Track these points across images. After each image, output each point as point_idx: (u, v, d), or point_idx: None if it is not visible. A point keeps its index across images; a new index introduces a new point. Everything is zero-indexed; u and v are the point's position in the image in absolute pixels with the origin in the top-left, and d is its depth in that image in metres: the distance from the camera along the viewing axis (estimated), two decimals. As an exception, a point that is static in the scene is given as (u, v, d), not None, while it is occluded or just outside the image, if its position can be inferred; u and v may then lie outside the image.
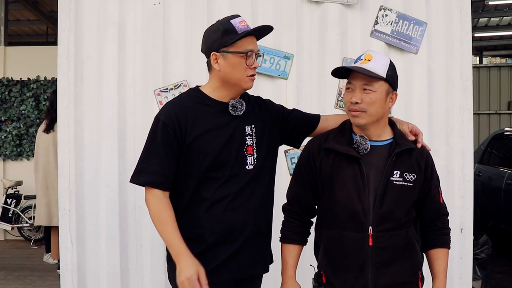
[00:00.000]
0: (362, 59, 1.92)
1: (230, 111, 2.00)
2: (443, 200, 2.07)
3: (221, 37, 1.93)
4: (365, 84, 1.89)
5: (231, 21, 1.95)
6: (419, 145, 2.02)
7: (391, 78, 1.92)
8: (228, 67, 1.95)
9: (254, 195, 2.02)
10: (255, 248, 2.06)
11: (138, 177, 2.00)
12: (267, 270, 2.17)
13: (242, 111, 2.01)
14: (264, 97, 2.23)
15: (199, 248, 1.98)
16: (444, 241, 2.05)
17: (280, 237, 2.10)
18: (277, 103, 2.26)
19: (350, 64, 2.00)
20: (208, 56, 2.00)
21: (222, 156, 1.96)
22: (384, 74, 1.89)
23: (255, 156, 2.03)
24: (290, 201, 2.10)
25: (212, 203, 1.96)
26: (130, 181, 2.03)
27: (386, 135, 1.99)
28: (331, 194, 1.96)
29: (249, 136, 2.02)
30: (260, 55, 2.02)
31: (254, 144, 2.03)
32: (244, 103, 2.03)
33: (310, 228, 2.12)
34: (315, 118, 2.22)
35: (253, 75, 1.99)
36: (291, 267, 2.05)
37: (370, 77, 1.87)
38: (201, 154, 1.95)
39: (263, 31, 2.02)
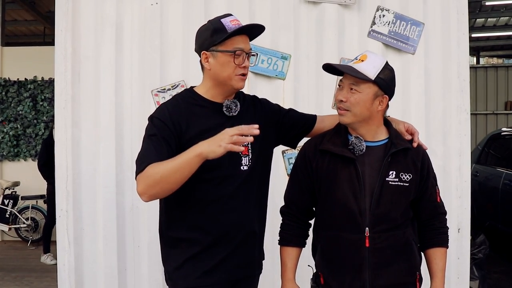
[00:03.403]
0: (357, 59, 1.92)
1: (225, 111, 1.99)
2: (440, 199, 2.06)
3: (210, 36, 1.93)
4: (352, 84, 1.89)
5: (222, 20, 1.94)
6: (415, 144, 2.01)
7: (382, 82, 1.89)
8: (218, 66, 1.94)
9: (249, 195, 2.01)
10: (250, 248, 2.06)
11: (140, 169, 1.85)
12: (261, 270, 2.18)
13: (237, 112, 2.00)
14: (261, 97, 2.23)
15: (195, 249, 1.98)
16: (441, 240, 2.05)
17: (278, 240, 2.10)
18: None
19: (347, 64, 2.00)
20: (200, 55, 2.00)
21: (216, 157, 1.95)
22: (373, 77, 1.87)
23: (250, 156, 2.01)
24: (287, 204, 2.09)
25: (207, 204, 1.95)
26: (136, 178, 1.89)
27: (382, 135, 1.98)
28: (327, 195, 1.96)
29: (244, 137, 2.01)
30: (253, 55, 2.00)
31: (249, 144, 2.00)
32: (238, 104, 2.01)
33: (308, 230, 2.12)
34: (312, 119, 2.21)
35: (243, 75, 1.96)
36: (290, 270, 2.05)
37: (357, 77, 1.87)
38: None
39: (254, 30, 2.00)
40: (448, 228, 2.08)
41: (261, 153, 2.06)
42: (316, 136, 2.08)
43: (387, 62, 1.94)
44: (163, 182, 1.76)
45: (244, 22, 1.99)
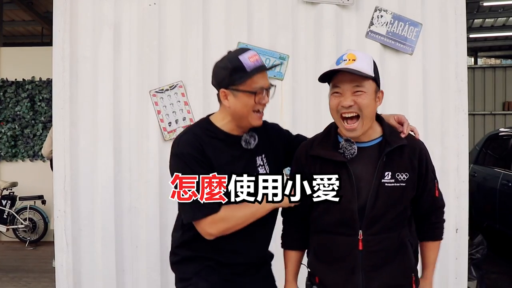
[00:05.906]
0: (345, 60, 1.81)
1: (243, 145, 1.98)
2: (439, 193, 2.01)
3: (229, 75, 1.89)
4: (356, 85, 1.80)
5: (240, 57, 1.89)
6: (403, 135, 1.92)
7: (377, 77, 1.85)
8: (238, 104, 1.92)
9: (267, 224, 2.05)
10: (258, 275, 2.11)
11: (194, 215, 1.92)
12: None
13: (254, 145, 2.00)
14: (271, 122, 2.21)
15: (212, 264, 2.01)
16: (436, 234, 2.04)
17: (281, 244, 2.11)
18: (273, 104, 2.25)
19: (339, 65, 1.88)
20: (218, 90, 1.98)
21: None
22: (372, 73, 1.82)
23: None
24: (286, 209, 2.06)
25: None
26: (185, 222, 1.96)
27: (375, 133, 1.91)
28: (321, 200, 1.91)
29: (260, 167, 2.02)
30: (272, 85, 1.97)
31: (266, 173, 2.01)
32: (256, 137, 2.01)
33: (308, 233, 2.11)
34: None
35: (259, 111, 1.95)
36: (290, 272, 2.06)
37: (360, 77, 1.79)
38: None
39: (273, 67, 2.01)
40: (444, 220, 2.06)
41: None
42: (307, 141, 2.04)
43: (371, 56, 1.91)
44: (239, 225, 1.91)
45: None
